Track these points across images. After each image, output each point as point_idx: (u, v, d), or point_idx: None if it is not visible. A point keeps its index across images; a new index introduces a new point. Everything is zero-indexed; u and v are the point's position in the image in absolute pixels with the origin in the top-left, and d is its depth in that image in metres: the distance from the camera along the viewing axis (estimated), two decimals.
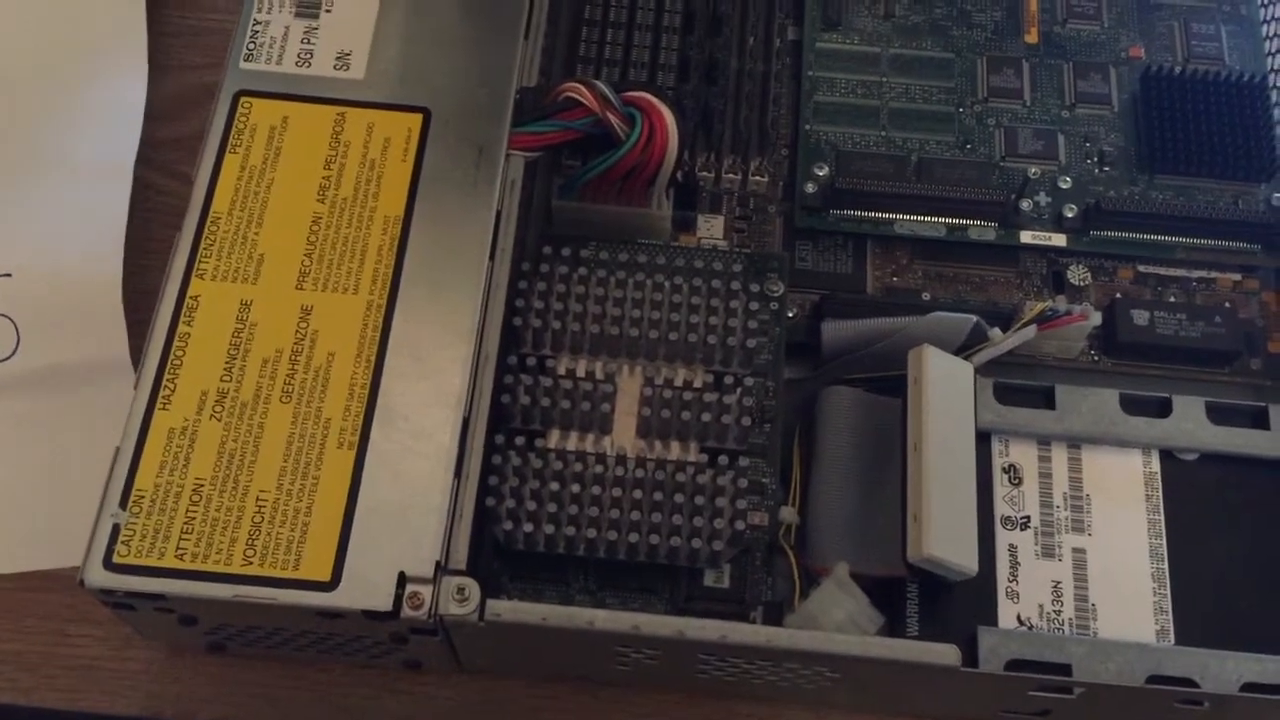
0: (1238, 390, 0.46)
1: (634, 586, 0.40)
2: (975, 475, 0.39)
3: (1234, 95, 0.49)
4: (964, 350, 0.43)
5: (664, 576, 0.40)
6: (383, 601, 0.35)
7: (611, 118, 0.44)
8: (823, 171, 0.49)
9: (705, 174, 0.49)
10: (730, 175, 0.49)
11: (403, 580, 0.36)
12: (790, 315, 0.46)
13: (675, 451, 0.41)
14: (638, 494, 0.39)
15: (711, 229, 0.49)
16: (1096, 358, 0.46)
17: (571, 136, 0.45)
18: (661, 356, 0.42)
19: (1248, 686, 0.37)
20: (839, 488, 0.42)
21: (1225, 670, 0.37)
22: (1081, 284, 0.48)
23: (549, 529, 0.39)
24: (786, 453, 0.43)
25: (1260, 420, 0.42)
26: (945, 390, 0.40)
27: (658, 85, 0.48)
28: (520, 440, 0.40)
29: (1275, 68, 0.51)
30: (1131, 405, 0.43)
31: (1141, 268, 0.48)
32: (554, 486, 0.39)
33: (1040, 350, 0.46)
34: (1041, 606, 0.40)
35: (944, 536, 0.37)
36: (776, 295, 0.45)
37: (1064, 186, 0.48)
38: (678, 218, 0.48)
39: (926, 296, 0.47)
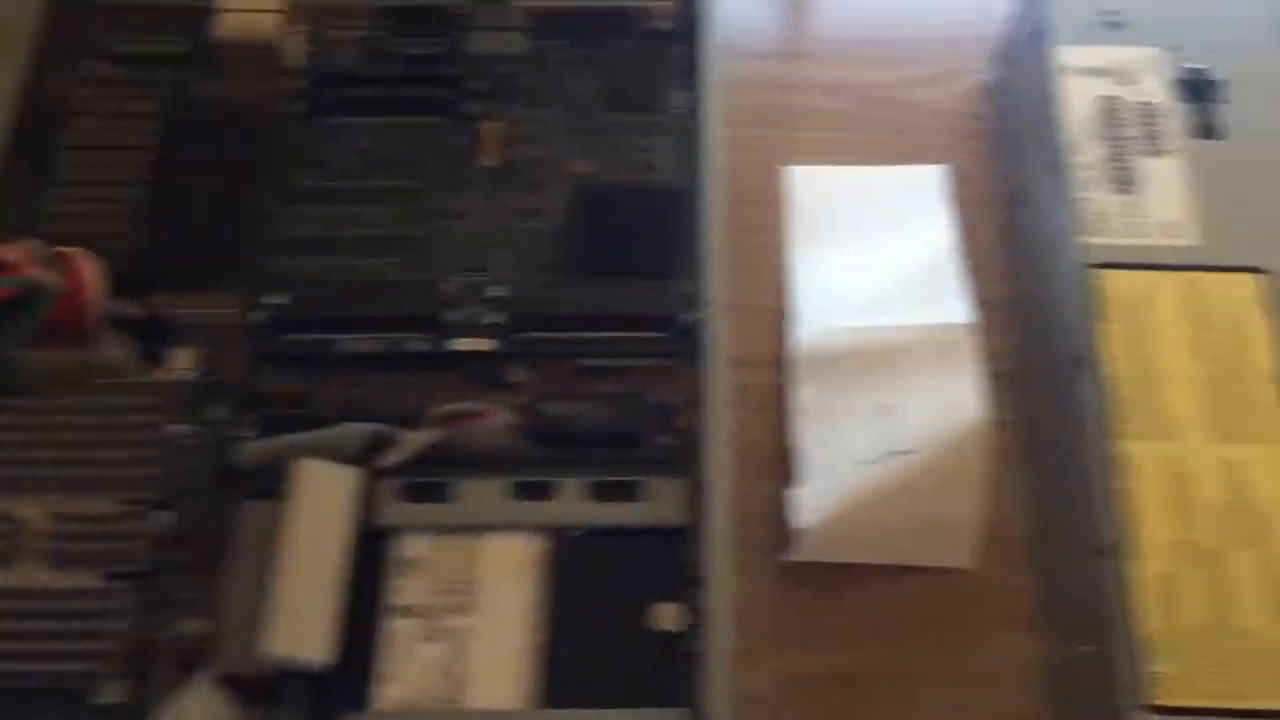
0: (644, 468, 0.51)
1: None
2: (345, 574, 0.43)
3: (656, 202, 0.55)
4: (373, 455, 0.48)
5: (59, 701, 0.43)
6: None
7: (35, 273, 0.47)
8: (280, 300, 0.53)
9: (172, 309, 0.53)
10: (192, 311, 0.53)
11: None
12: (233, 437, 0.49)
13: (80, 580, 0.44)
14: (29, 625, 0.42)
15: (179, 361, 0.52)
16: (523, 449, 0.51)
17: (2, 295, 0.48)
18: (76, 490, 0.46)
19: None
20: (245, 595, 0.45)
21: None
22: (519, 382, 0.53)
23: None
24: (204, 568, 0.46)
25: (634, 494, 0.48)
26: (317, 498, 0.44)
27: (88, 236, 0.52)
28: None
29: (697, 175, 0.57)
30: (524, 490, 0.48)
31: (575, 361, 0.53)
32: None
33: (470, 445, 0.50)
34: (421, 687, 0.44)
35: (289, 635, 0.41)
36: (216, 420, 0.49)
37: (495, 295, 0.54)
38: (143, 354, 0.51)
39: (372, 409, 0.52)
